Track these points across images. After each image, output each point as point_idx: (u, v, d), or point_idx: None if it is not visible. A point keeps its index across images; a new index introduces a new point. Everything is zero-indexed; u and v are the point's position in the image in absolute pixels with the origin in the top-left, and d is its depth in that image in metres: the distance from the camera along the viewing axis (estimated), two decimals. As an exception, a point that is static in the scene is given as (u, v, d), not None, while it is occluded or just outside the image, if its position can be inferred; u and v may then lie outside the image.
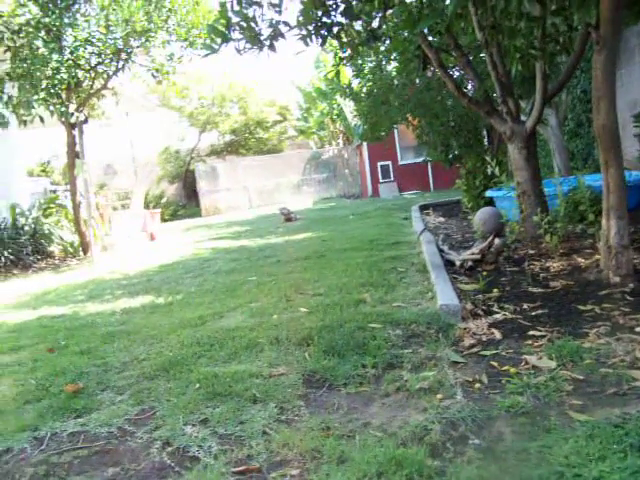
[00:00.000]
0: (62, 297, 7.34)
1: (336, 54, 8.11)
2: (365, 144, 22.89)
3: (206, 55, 5.25)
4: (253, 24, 5.11)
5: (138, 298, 6.54)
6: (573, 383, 3.03)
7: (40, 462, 2.86)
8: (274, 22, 5.21)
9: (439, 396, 3.04)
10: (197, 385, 3.53)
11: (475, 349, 3.73)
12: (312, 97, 31.02)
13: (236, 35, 5.14)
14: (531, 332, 3.90)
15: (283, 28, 5.27)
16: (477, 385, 3.15)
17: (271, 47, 5.25)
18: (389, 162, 23.53)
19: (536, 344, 3.65)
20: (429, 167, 21.21)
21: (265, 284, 6.33)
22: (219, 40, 5.10)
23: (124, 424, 3.18)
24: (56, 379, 3.96)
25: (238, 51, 5.22)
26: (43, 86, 10.25)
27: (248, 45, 5.21)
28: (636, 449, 2.29)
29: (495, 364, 3.44)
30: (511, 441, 2.53)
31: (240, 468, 2.57)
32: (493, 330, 4.02)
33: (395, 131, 20.56)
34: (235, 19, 5.10)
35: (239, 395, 3.32)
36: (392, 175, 23.59)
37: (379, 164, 23.66)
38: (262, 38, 5.21)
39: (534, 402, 2.85)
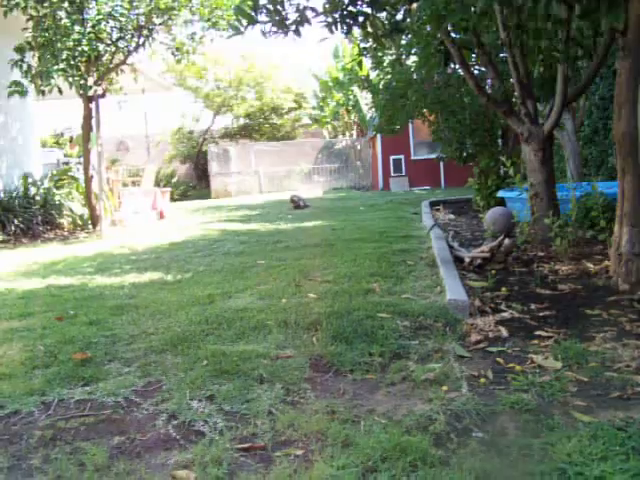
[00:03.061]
0: (71, 268, 7.37)
1: (358, 45, 8.12)
2: (379, 137, 22.84)
3: (231, 36, 5.26)
4: (280, 7, 5.11)
5: (147, 274, 6.57)
6: (578, 384, 3.06)
7: (47, 426, 2.90)
8: (301, 7, 5.21)
9: (444, 388, 3.08)
10: (205, 362, 3.57)
11: (481, 345, 3.76)
12: (328, 86, 30.94)
13: (262, 18, 5.14)
14: (538, 332, 3.93)
15: (309, 14, 5.27)
16: (482, 380, 3.19)
17: (296, 32, 5.26)
18: (402, 156, 23.47)
19: (542, 344, 3.69)
20: (441, 164, 21.15)
21: (274, 268, 6.36)
22: (245, 22, 5.10)
23: (131, 395, 3.22)
24: (64, 347, 4.00)
25: (264, 34, 5.23)
26: (63, 57, 10.25)
27: (274, 29, 5.21)
28: (638, 452, 2.32)
29: (501, 361, 3.47)
30: (514, 436, 2.56)
31: (245, 445, 2.60)
32: (500, 328, 4.05)
33: (410, 125, 20.51)
34: (262, 1, 5.10)
35: (246, 374, 3.35)
36: (404, 169, 23.53)
37: (391, 158, 23.60)
38: (288, 22, 5.21)
39: (538, 400, 2.88)
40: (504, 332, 3.97)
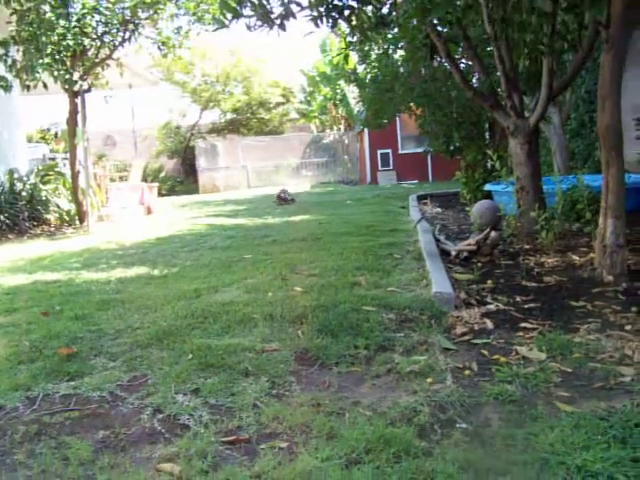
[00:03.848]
0: (57, 264, 7.34)
1: (345, 38, 8.12)
2: (366, 131, 22.87)
3: (216, 29, 5.25)
4: (265, 1, 5.11)
5: (133, 269, 6.56)
6: (561, 375, 3.08)
7: (32, 421, 2.89)
8: (286, 1, 5.20)
9: (429, 380, 3.09)
10: (190, 356, 3.57)
11: (467, 337, 3.78)
12: (316, 81, 30.94)
13: (247, 12, 5.13)
14: (523, 324, 3.95)
15: (294, 8, 5.27)
16: (467, 372, 3.20)
17: (281, 26, 5.25)
18: (389, 150, 23.52)
19: (527, 336, 3.71)
20: (429, 158, 21.18)
21: (261, 262, 6.35)
22: (230, 15, 5.09)
23: (116, 389, 3.22)
24: (50, 342, 3.99)
25: (249, 28, 5.22)
26: (48, 51, 10.18)
27: (259, 22, 5.21)
28: (619, 441, 2.34)
29: (486, 353, 3.48)
30: (498, 427, 2.58)
31: (230, 438, 2.61)
32: (485, 320, 4.07)
33: (397, 119, 20.54)
34: (247, -5, 5.10)
35: (231, 368, 3.35)
36: (391, 163, 23.59)
37: (379, 152, 23.65)
38: (273, 16, 5.21)
39: (522, 391, 2.90)
40: (489, 324, 3.99)
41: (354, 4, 6.04)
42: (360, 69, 14.08)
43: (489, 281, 5.08)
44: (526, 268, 5.47)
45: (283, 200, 14.88)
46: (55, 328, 4.28)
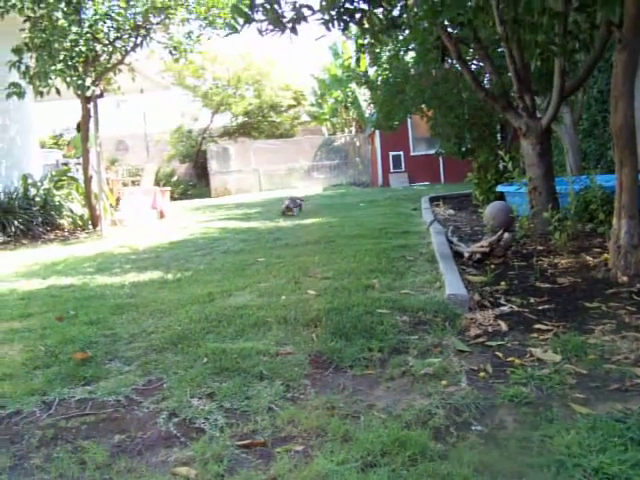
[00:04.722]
0: (71, 268, 7.38)
1: (357, 41, 8.13)
2: (378, 133, 22.88)
3: (228, 34, 5.28)
4: (276, 6, 5.12)
5: (147, 273, 6.57)
6: (577, 377, 3.06)
7: (48, 425, 2.91)
8: (297, 5, 5.22)
9: (444, 382, 3.08)
10: (205, 359, 3.58)
11: (481, 339, 3.77)
12: (326, 84, 30.99)
13: (259, 16, 5.15)
14: (537, 326, 3.94)
15: (306, 11, 5.28)
16: (482, 374, 3.20)
17: (293, 30, 5.27)
18: (401, 152, 23.50)
19: (541, 337, 3.69)
20: (440, 159, 21.15)
21: (274, 265, 6.36)
22: (242, 20, 5.11)
23: (131, 394, 3.23)
24: (65, 347, 4.00)
25: (260, 32, 5.24)
26: (61, 57, 10.24)
27: (270, 27, 5.22)
28: (636, 443, 2.33)
29: (500, 355, 3.47)
30: (513, 429, 2.57)
31: (245, 442, 2.61)
32: (499, 322, 4.06)
33: (409, 121, 20.53)
34: (259, 0, 5.11)
35: (246, 371, 3.36)
36: (403, 165, 23.57)
37: (391, 154, 23.63)
38: (285, 21, 5.22)
39: (537, 393, 2.89)
40: (503, 326, 3.98)
41: (365, 7, 6.05)
42: (371, 71, 14.09)
43: (503, 283, 5.06)
44: (540, 269, 5.45)
45: (289, 211, 12.83)
46: (70, 333, 4.30)
